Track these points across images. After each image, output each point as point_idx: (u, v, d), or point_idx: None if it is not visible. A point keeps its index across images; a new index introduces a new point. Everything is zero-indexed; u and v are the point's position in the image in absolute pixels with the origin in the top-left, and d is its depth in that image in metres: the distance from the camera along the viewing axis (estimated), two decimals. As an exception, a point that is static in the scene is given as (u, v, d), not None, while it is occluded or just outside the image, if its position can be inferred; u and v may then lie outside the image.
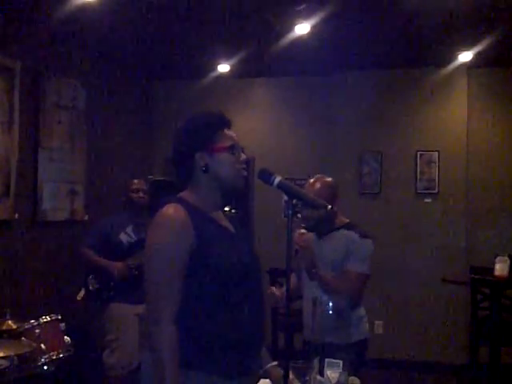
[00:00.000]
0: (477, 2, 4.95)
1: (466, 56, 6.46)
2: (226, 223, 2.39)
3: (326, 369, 2.53)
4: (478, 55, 6.36)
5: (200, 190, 2.33)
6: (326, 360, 2.54)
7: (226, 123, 2.38)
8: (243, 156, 2.37)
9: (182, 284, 2.16)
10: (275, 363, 2.53)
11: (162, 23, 5.60)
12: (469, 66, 6.85)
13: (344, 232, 3.61)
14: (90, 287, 4.85)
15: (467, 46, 6.18)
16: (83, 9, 5.02)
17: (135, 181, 5.07)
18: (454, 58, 6.58)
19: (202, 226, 2.22)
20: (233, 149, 2.32)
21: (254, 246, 2.49)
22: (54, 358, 4.09)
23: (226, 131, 2.35)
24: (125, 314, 4.79)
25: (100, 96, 6.61)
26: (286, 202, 2.27)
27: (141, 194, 5.01)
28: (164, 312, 2.13)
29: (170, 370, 2.10)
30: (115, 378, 4.83)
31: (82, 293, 4.90)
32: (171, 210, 2.22)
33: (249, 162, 2.45)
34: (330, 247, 3.58)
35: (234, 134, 2.38)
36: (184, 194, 2.33)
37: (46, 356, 4.02)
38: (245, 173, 2.36)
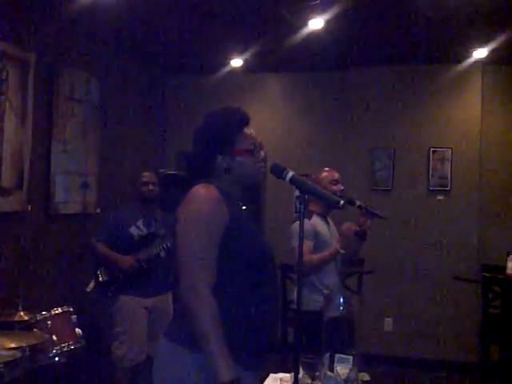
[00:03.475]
0: (492, -1, 4.93)
1: (480, 53, 6.42)
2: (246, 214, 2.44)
3: (336, 364, 2.53)
4: (492, 52, 6.31)
5: (222, 185, 2.34)
6: (336, 355, 2.54)
7: (245, 122, 2.40)
8: (262, 154, 2.41)
9: (218, 259, 2.18)
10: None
11: (175, 17, 5.60)
12: (484, 63, 6.81)
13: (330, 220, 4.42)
14: (100, 279, 4.88)
15: (482, 43, 6.13)
16: (98, 2, 5.02)
17: (146, 174, 5.08)
18: (468, 54, 6.54)
19: (233, 208, 2.27)
20: (253, 151, 2.37)
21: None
22: (66, 349, 4.12)
23: (246, 130, 2.38)
24: (134, 307, 4.82)
25: (113, 90, 6.62)
26: (297, 197, 2.27)
27: (150, 187, 5.01)
28: (202, 281, 2.14)
29: (215, 338, 2.09)
30: (124, 370, 4.85)
31: (91, 284, 4.93)
32: (204, 188, 2.26)
33: (265, 159, 2.48)
34: (334, 232, 4.34)
35: (253, 132, 2.41)
36: (212, 182, 2.34)
37: (57, 347, 4.05)
38: (263, 170, 2.43)
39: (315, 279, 4.16)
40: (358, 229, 4.18)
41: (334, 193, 4.17)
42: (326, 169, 4.47)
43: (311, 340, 3.83)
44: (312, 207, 4.28)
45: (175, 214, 2.30)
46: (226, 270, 2.20)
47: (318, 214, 4.28)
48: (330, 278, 4.21)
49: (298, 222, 3.87)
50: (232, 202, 2.30)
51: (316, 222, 4.24)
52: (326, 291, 3.93)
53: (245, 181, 2.40)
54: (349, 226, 4.09)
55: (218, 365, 2.08)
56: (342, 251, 4.02)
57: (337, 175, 4.43)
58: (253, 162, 2.37)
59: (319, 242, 4.18)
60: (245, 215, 2.37)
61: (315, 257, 4.08)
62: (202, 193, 2.25)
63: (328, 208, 4.33)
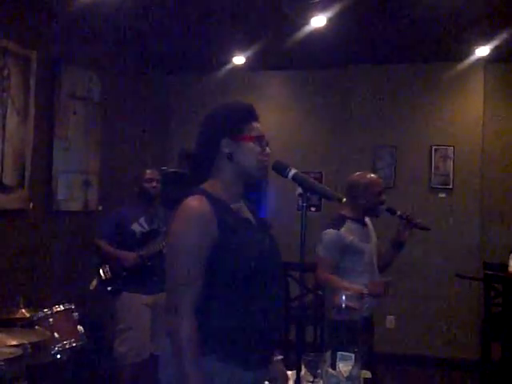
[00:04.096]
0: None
1: (483, 51, 6.41)
2: (247, 214, 2.39)
3: (338, 362, 2.53)
4: (495, 50, 6.31)
5: (222, 180, 2.32)
6: (338, 353, 2.54)
7: (254, 116, 2.37)
8: (268, 150, 2.36)
9: (204, 276, 2.16)
10: (279, 357, 2.52)
11: (177, 15, 5.60)
12: (486, 61, 6.80)
13: (367, 220, 4.15)
14: (103, 277, 4.87)
15: (484, 41, 6.13)
16: (99, 0, 5.03)
17: (148, 171, 5.07)
18: (470, 52, 6.53)
19: (225, 219, 2.22)
20: (259, 140, 2.32)
21: (274, 236, 2.46)
22: (68, 346, 4.11)
23: (254, 124, 2.35)
24: (136, 304, 4.81)
25: (115, 88, 6.62)
26: (299, 194, 2.25)
27: (154, 184, 5.01)
28: (184, 302, 2.14)
29: (190, 361, 2.10)
30: (126, 367, 4.84)
31: (94, 282, 4.92)
32: (195, 201, 2.21)
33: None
34: (372, 234, 4.14)
35: (261, 128, 2.38)
36: (206, 186, 2.31)
37: (59, 345, 4.05)
38: (267, 164, 2.35)
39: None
40: (395, 238, 4.11)
41: (380, 204, 4.05)
42: (372, 175, 4.16)
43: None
44: (345, 211, 4.04)
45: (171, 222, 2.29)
46: (218, 280, 2.18)
47: (352, 220, 4.01)
48: (365, 279, 3.89)
49: (331, 230, 3.92)
50: (225, 210, 2.26)
51: (347, 231, 3.96)
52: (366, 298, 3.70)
53: (247, 172, 2.32)
54: (374, 284, 3.81)
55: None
56: (366, 297, 3.70)
57: (382, 185, 4.16)
58: (257, 152, 2.31)
59: (350, 252, 3.92)
60: (242, 221, 2.32)
61: (338, 283, 3.82)
62: (192, 207, 2.20)
63: (364, 212, 4.08)
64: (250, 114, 2.36)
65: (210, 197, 2.24)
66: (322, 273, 3.91)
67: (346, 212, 4.04)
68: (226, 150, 2.29)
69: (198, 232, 2.17)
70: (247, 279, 2.19)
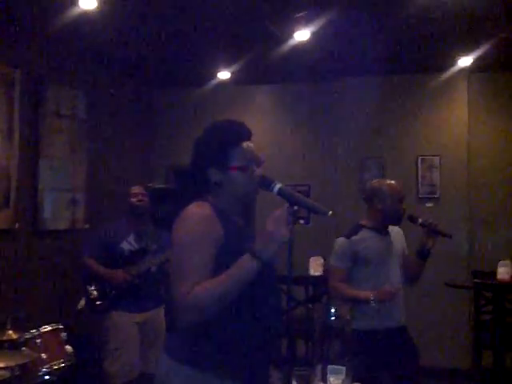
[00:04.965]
0: (475, 8, 4.95)
1: (465, 61, 6.46)
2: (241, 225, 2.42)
3: (329, 375, 2.51)
4: (477, 60, 6.35)
5: (217, 200, 2.33)
6: (329, 366, 2.53)
7: (244, 136, 2.39)
8: (258, 172, 2.36)
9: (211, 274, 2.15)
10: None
11: (162, 31, 5.60)
12: (469, 71, 6.85)
13: (393, 228, 4.08)
14: (91, 296, 4.83)
15: (467, 51, 6.17)
16: (83, 17, 5.02)
17: (134, 187, 5.04)
18: (454, 63, 6.58)
19: (228, 226, 2.24)
20: (245, 168, 2.32)
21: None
22: (56, 367, 4.08)
23: (244, 145, 2.36)
24: (126, 323, 4.78)
25: (101, 104, 6.61)
26: (287, 208, 2.25)
27: (140, 197, 4.97)
28: (186, 289, 2.10)
29: (223, 282, 2.10)
30: (117, 387, 4.81)
31: (82, 302, 4.88)
32: (198, 207, 2.25)
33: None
34: (396, 245, 4.03)
35: (253, 147, 2.39)
36: (208, 198, 2.33)
37: (47, 366, 4.01)
38: (256, 190, 2.37)
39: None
40: (419, 247, 4.02)
41: (400, 212, 3.97)
42: (390, 182, 4.06)
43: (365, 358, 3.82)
44: (364, 220, 4.00)
45: (170, 232, 2.28)
46: None
47: (369, 228, 3.95)
48: (373, 290, 3.81)
49: (341, 239, 3.91)
50: (228, 219, 2.28)
51: (360, 240, 3.91)
52: (373, 304, 3.70)
53: (237, 198, 2.36)
54: (380, 291, 3.73)
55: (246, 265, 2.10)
56: (372, 304, 3.70)
57: (402, 192, 4.06)
58: (246, 179, 2.32)
59: (359, 261, 3.87)
60: (242, 233, 2.34)
61: (347, 291, 3.83)
62: (196, 212, 2.23)
63: (384, 220, 3.98)
64: (238, 137, 2.37)
65: (213, 205, 2.27)
66: (332, 281, 3.91)
67: (364, 221, 4.01)
68: (214, 179, 2.31)
69: (204, 232, 2.18)
70: (250, 285, 2.18)
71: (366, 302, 3.71)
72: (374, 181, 4.15)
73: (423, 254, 4.04)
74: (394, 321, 3.94)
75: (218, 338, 2.19)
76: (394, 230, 4.09)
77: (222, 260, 2.17)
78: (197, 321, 2.13)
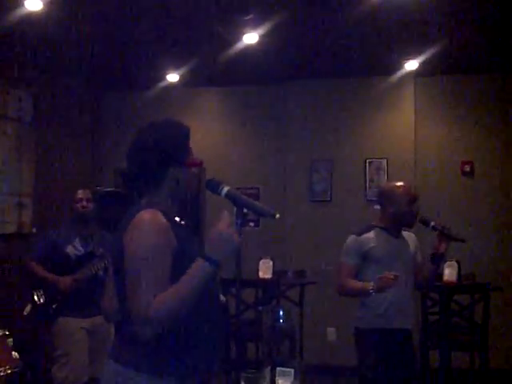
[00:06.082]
0: (421, 12, 5.04)
1: (412, 64, 6.57)
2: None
3: (277, 378, 2.52)
4: (424, 64, 6.47)
5: (162, 200, 2.33)
6: (278, 369, 2.53)
7: (188, 134, 2.41)
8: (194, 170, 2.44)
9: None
10: None
11: (110, 33, 5.56)
12: (415, 75, 6.96)
13: (409, 234, 4.07)
14: (37, 301, 4.75)
15: (413, 55, 6.28)
16: (29, 18, 4.96)
17: (80, 191, 4.96)
18: (400, 66, 6.68)
19: (178, 231, 2.24)
20: (201, 164, 2.42)
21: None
22: (2, 374, 4.01)
23: (188, 144, 2.40)
24: (73, 328, 4.70)
25: (48, 107, 6.51)
26: (235, 211, 2.26)
27: (84, 203, 4.89)
28: (146, 302, 2.08)
29: (182, 287, 2.10)
30: (65, 393, 4.73)
31: (28, 308, 4.79)
32: (151, 214, 2.21)
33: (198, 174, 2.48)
34: (408, 248, 4.00)
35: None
36: (151, 201, 2.31)
37: (-7, 373, 3.94)
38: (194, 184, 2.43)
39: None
40: (433, 251, 3.95)
41: (412, 214, 3.93)
42: (402, 184, 4.01)
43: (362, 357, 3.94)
44: (377, 220, 3.99)
45: (121, 238, 2.24)
46: None
47: (382, 229, 3.92)
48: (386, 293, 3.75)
49: (351, 236, 3.92)
50: (175, 223, 2.28)
51: (370, 238, 3.88)
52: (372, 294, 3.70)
53: (187, 195, 2.39)
54: (380, 279, 3.66)
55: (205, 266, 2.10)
56: (372, 293, 3.70)
57: (414, 193, 4.01)
58: (193, 175, 2.40)
59: (368, 259, 3.84)
60: (187, 233, 2.35)
61: (349, 284, 3.87)
62: (150, 220, 2.19)
63: (395, 222, 3.94)
64: (186, 134, 2.40)
65: (161, 210, 2.25)
66: (339, 278, 3.89)
67: (376, 221, 4.00)
68: (174, 177, 2.33)
69: (161, 242, 2.16)
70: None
71: (367, 292, 3.71)
72: (386, 183, 4.17)
73: (435, 259, 3.97)
74: (402, 323, 3.90)
75: (174, 343, 2.19)
76: (408, 236, 4.06)
77: (178, 266, 2.16)
78: (159, 332, 2.12)
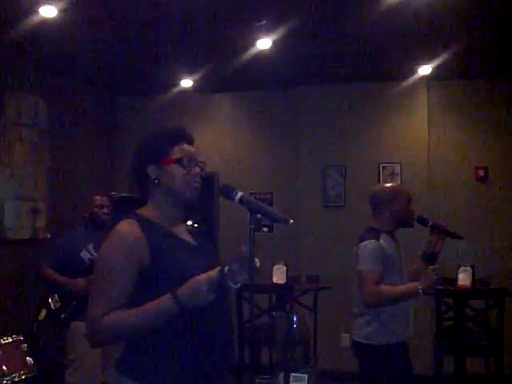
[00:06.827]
0: (434, 17, 5.03)
1: (425, 69, 6.56)
2: (186, 236, 2.40)
3: (291, 383, 2.52)
4: (437, 68, 6.46)
5: (157, 204, 2.35)
6: (292, 375, 2.53)
7: (184, 138, 2.40)
8: (197, 170, 2.38)
9: (127, 299, 2.17)
10: None
11: (124, 39, 5.58)
12: (428, 79, 6.95)
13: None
14: (52, 307, 4.78)
15: (427, 60, 6.27)
16: (44, 24, 4.99)
17: (98, 197, 5.01)
18: (413, 71, 6.67)
19: (157, 241, 2.23)
20: (182, 161, 2.34)
21: (219, 259, 2.47)
22: (17, 379, 4.04)
23: (184, 146, 2.38)
24: (87, 333, 4.73)
25: (62, 112, 6.55)
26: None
27: (105, 210, 4.96)
28: (101, 314, 2.13)
29: (134, 318, 2.13)
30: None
31: (43, 313, 4.82)
32: (125, 226, 2.24)
33: (206, 178, 2.46)
34: (401, 248, 3.90)
35: (192, 149, 2.40)
36: (142, 210, 2.35)
37: (8, 378, 3.97)
38: (196, 185, 2.37)
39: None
40: (427, 251, 3.91)
41: (411, 213, 3.89)
42: (396, 184, 4.02)
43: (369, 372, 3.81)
44: (378, 224, 3.87)
45: None
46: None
47: (385, 232, 3.82)
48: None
49: (372, 241, 3.70)
50: (159, 233, 2.27)
51: (385, 243, 3.76)
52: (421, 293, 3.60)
53: (175, 195, 2.34)
54: (425, 276, 3.63)
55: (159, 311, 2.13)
56: (420, 292, 3.61)
57: (410, 195, 3.96)
58: (181, 174, 2.33)
59: (389, 265, 3.71)
60: (174, 246, 2.31)
61: (387, 290, 3.65)
62: (120, 231, 2.23)
63: (396, 224, 3.88)
64: (177, 137, 2.39)
65: (142, 221, 2.26)
66: (368, 287, 3.63)
67: (376, 225, 3.87)
68: (153, 176, 2.33)
69: (122, 257, 2.18)
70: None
71: (415, 293, 3.62)
72: (379, 185, 4.10)
73: (432, 258, 3.92)
74: (409, 333, 3.85)
75: (168, 353, 2.18)
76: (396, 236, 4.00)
77: (150, 280, 2.19)
78: (106, 344, 2.17)
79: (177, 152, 2.35)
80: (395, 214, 3.86)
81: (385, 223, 3.86)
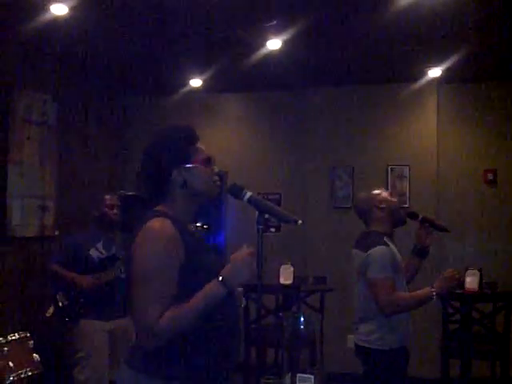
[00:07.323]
0: (445, 20, 5.02)
1: (435, 72, 6.55)
2: (198, 235, 2.44)
3: (297, 384, 2.52)
4: (446, 71, 6.45)
5: (176, 205, 2.34)
6: (298, 375, 2.53)
7: (196, 138, 2.40)
8: (216, 168, 2.40)
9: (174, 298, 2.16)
10: None
11: (134, 38, 5.60)
12: (438, 82, 6.94)
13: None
14: (60, 304, 4.79)
15: (436, 63, 6.26)
16: (54, 22, 5.01)
17: (108, 197, 5.01)
18: (423, 73, 6.66)
19: (188, 239, 2.24)
20: (208, 161, 2.36)
21: (225, 259, 2.48)
22: (23, 376, 4.03)
23: (199, 145, 2.38)
24: (95, 331, 4.74)
25: (72, 111, 6.56)
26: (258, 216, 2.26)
27: (115, 211, 4.97)
28: (157, 318, 2.12)
29: (190, 311, 2.14)
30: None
31: (51, 310, 4.83)
32: (159, 223, 2.22)
33: (221, 175, 2.47)
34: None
35: (204, 148, 2.40)
36: (164, 208, 2.32)
37: (14, 374, 3.96)
38: (218, 183, 2.40)
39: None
40: (418, 245, 3.92)
41: (401, 211, 3.90)
42: (380, 189, 3.98)
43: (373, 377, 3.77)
44: (378, 227, 3.82)
45: (130, 247, 2.26)
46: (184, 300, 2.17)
47: (386, 235, 3.78)
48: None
49: (382, 247, 3.62)
50: (185, 231, 2.27)
51: (394, 248, 3.74)
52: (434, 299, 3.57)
53: (202, 195, 2.36)
54: (452, 272, 3.62)
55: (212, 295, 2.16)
56: (434, 298, 3.58)
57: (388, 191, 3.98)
58: (209, 174, 2.36)
59: (397, 270, 3.67)
60: (199, 242, 2.36)
61: (402, 298, 3.62)
62: (159, 230, 2.20)
63: (392, 223, 3.84)
64: (192, 138, 2.39)
65: (171, 218, 2.25)
66: (384, 295, 3.55)
67: (375, 229, 3.82)
68: (180, 179, 2.31)
69: (168, 254, 2.17)
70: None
71: (429, 298, 3.58)
72: (363, 193, 4.07)
73: (424, 253, 3.95)
74: (409, 338, 3.81)
75: (187, 349, 2.19)
76: None
77: (185, 278, 2.18)
78: (164, 344, 2.14)
79: (199, 152, 2.36)
80: (387, 210, 3.82)
81: (382, 226, 3.82)
